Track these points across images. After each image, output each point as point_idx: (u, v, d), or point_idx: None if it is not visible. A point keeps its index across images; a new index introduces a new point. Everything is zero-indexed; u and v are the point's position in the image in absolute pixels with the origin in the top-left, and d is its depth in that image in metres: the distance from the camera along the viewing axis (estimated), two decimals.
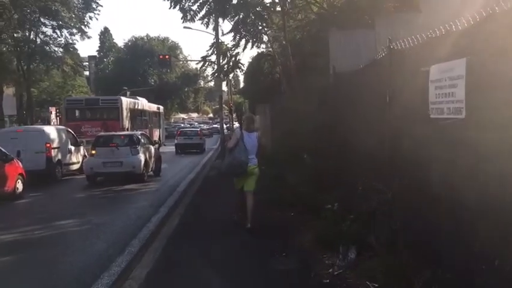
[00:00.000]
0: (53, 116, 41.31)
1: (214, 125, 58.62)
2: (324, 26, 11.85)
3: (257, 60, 19.98)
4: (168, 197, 11.05)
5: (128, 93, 40.51)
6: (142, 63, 68.27)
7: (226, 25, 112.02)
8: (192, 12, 17.23)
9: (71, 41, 32.22)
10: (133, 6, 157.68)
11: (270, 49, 17.99)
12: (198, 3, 16.66)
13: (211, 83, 72.45)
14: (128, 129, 20.46)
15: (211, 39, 18.43)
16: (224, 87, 18.67)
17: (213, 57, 17.82)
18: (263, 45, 20.44)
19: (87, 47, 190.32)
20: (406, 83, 4.02)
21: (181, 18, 17.56)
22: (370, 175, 4.80)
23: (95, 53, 78.54)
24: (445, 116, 3.33)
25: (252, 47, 15.90)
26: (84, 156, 16.82)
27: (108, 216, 9.03)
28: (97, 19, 34.19)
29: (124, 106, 21.15)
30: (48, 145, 14.36)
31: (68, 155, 15.72)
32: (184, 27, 23.49)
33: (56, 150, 14.82)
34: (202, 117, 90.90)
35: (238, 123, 39.75)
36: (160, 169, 16.37)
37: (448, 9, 4.64)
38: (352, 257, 4.76)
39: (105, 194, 12.18)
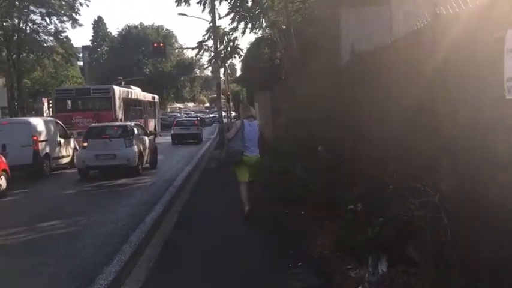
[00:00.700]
0: (45, 107, 40.33)
1: (211, 115, 57.70)
2: (331, 5, 10.93)
3: (256, 45, 19.01)
4: (164, 193, 10.21)
5: (123, 83, 39.51)
6: (137, 53, 67.11)
7: (223, 8, 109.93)
8: None
9: (61, 29, 31.06)
10: None
11: (270, 33, 17.06)
12: None
13: (208, 72, 71.55)
14: (121, 120, 19.57)
15: (207, 26, 17.40)
16: (221, 75, 17.75)
17: (210, 43, 16.94)
18: (261, 31, 19.56)
19: (81, 37, 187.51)
20: (460, 56, 3.17)
21: (175, 1, 16.68)
22: (404, 170, 3.97)
23: (89, 43, 77.22)
24: None
25: (252, 30, 15.02)
26: (75, 148, 16.00)
27: (98, 216, 8.20)
28: (87, 5, 32.99)
29: (117, 96, 20.19)
30: (35, 138, 13.46)
31: (57, 148, 14.82)
32: (179, 14, 22.52)
33: (44, 143, 13.91)
34: (198, 107, 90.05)
35: (236, 112, 38.85)
36: (156, 161, 15.59)
37: None
38: (383, 271, 3.96)
39: (96, 190, 11.34)
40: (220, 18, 15.47)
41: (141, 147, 13.89)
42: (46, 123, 14.61)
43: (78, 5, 30.99)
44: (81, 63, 70.26)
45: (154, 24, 73.72)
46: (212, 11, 14.79)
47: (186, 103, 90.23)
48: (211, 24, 14.90)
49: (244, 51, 19.92)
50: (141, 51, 66.78)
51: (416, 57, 3.69)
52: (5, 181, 10.66)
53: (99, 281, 4.90)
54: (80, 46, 74.11)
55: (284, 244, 5.51)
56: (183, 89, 76.99)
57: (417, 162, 3.75)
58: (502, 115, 2.64)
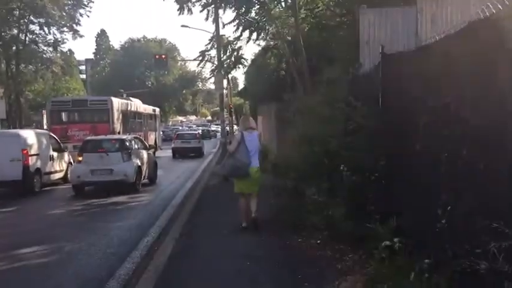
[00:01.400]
0: (45, 119, 39.56)
1: (213, 127, 56.97)
2: (349, 6, 10.10)
3: (262, 55, 18.20)
4: (160, 213, 9.27)
5: (124, 95, 38.77)
6: (139, 65, 66.75)
7: (227, 18, 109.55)
8: (189, 4, 15.64)
9: (60, 39, 30.47)
10: (130, 7, 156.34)
11: (276, 42, 16.27)
12: None
13: (210, 85, 71.30)
14: (119, 133, 18.69)
15: (210, 36, 16.67)
16: (224, 87, 16.96)
17: (213, 52, 16.15)
18: (266, 41, 18.80)
19: (84, 50, 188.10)
20: None
21: (178, 10, 15.96)
22: (467, 201, 3.04)
23: (92, 56, 77.00)
24: None
25: (257, 38, 14.23)
26: (70, 163, 15.11)
27: (85, 242, 7.25)
28: (88, 16, 32.32)
29: (115, 107, 19.32)
30: (25, 152, 12.54)
31: (50, 163, 13.89)
32: (182, 26, 21.85)
33: (35, 157, 12.99)
34: (200, 120, 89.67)
35: (237, 125, 38.02)
36: (156, 176, 14.74)
37: None
38: None
39: (87, 209, 10.40)
40: (224, 26, 14.73)
41: (140, 162, 13.03)
42: (38, 135, 13.71)
43: (79, 15, 30.49)
44: (83, 76, 70.02)
45: (157, 37, 73.61)
46: (216, 20, 14.06)
47: (187, 116, 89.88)
48: (214, 33, 14.15)
49: (249, 62, 19.06)
50: (143, 64, 66.41)
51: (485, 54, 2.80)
52: None
53: None
54: (83, 59, 74.08)
55: (300, 281, 4.57)
56: (185, 102, 76.56)
57: (490, 191, 2.83)
58: None
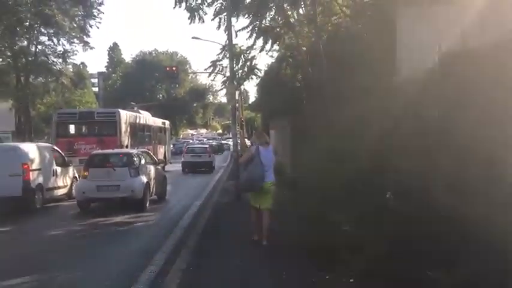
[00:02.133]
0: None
1: (224, 141, 56.24)
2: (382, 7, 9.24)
3: (277, 65, 17.39)
4: (168, 237, 8.37)
5: (135, 108, 38.30)
6: (151, 78, 66.76)
7: (239, 26, 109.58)
8: (200, 12, 14.95)
9: (70, 51, 30.13)
10: (142, 20, 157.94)
11: (292, 52, 15.46)
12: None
13: (221, 98, 70.85)
14: (127, 147, 17.94)
15: (221, 45, 15.96)
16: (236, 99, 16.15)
17: (225, 63, 15.41)
18: (280, 52, 18.04)
19: (97, 63, 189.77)
20: None
21: (189, 19, 15.27)
22: None
23: (104, 69, 77.37)
24: None
25: (272, 46, 13.42)
26: (75, 178, 14.37)
27: (81, 271, 6.40)
28: (98, 27, 32.16)
29: (123, 120, 18.59)
30: (25, 166, 11.79)
31: (52, 178, 13.12)
32: (193, 38, 21.34)
33: (36, 172, 12.22)
34: (211, 133, 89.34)
35: (249, 139, 37.15)
36: (165, 193, 13.99)
37: None
38: None
39: (89, 230, 9.54)
40: (236, 34, 13.96)
41: (148, 178, 12.24)
42: (40, 149, 12.95)
43: (89, 26, 30.18)
44: (96, 89, 70.24)
45: (168, 50, 73.77)
46: (228, 28, 13.31)
47: (198, 129, 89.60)
48: (226, 41, 13.44)
49: (262, 72, 18.26)
50: (154, 77, 66.36)
51: None
52: None
53: None
54: (96, 72, 74.44)
55: None
56: (196, 115, 76.26)
57: None
58: None
